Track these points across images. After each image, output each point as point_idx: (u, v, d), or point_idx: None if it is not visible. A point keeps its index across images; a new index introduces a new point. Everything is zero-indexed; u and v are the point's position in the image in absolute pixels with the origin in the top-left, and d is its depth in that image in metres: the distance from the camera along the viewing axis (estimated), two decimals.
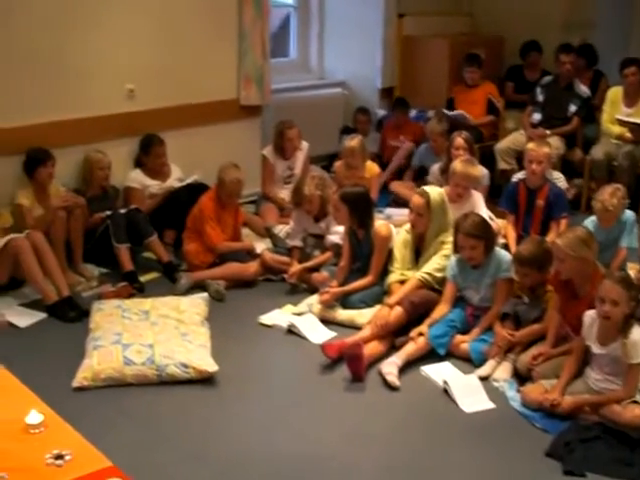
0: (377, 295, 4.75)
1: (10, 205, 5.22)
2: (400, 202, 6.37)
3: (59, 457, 1.82)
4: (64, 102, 5.46)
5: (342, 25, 7.91)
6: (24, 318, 4.70)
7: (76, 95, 5.51)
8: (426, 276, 4.52)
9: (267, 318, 4.73)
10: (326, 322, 4.66)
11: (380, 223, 4.93)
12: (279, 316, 4.75)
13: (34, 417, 1.92)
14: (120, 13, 5.65)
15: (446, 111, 7.16)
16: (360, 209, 4.83)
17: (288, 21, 8.04)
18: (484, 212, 5.17)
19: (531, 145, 5.41)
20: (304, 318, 4.67)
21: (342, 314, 4.70)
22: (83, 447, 1.88)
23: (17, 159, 5.20)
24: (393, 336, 4.33)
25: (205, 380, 3.95)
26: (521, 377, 4.00)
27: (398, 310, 4.33)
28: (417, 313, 4.38)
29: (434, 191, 4.70)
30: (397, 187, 6.79)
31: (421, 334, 4.22)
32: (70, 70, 5.45)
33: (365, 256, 4.86)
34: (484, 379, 4.00)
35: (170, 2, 5.96)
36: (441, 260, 4.56)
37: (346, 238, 4.96)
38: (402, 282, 4.61)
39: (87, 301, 4.81)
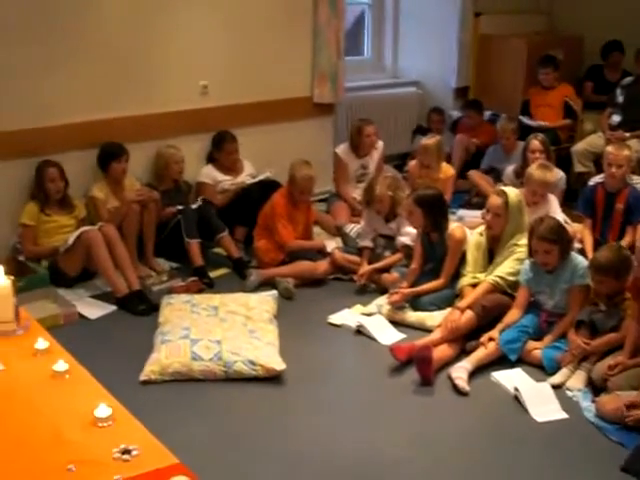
0: (448, 298, 4.67)
1: (84, 197, 5.32)
2: (478, 192, 6.39)
3: (126, 452, 1.81)
4: (139, 97, 5.53)
5: (417, 23, 7.82)
6: (94, 310, 4.76)
7: (151, 91, 5.59)
8: (498, 280, 4.43)
9: (336, 318, 4.69)
10: (395, 323, 4.60)
11: (455, 225, 4.85)
12: (348, 316, 4.71)
13: (103, 410, 1.93)
14: (196, 10, 5.70)
15: (526, 120, 7.04)
16: (434, 212, 4.77)
17: (362, 19, 8.00)
18: (559, 216, 5.05)
19: (610, 148, 5.26)
20: (373, 319, 4.62)
21: (412, 316, 4.64)
22: (150, 443, 1.88)
23: (93, 152, 5.29)
24: (463, 340, 4.25)
25: (272, 378, 3.93)
26: (595, 387, 3.87)
27: (469, 314, 4.25)
28: (488, 317, 4.29)
29: (512, 192, 4.60)
30: (476, 177, 6.67)
31: (492, 339, 4.13)
32: (146, 66, 5.53)
33: (437, 258, 4.80)
34: (557, 387, 3.89)
35: (246, 0, 5.98)
36: (514, 264, 4.46)
37: (418, 240, 4.90)
38: (474, 285, 4.52)
39: (157, 295, 4.85)
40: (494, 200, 4.54)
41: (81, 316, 4.66)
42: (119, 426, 1.93)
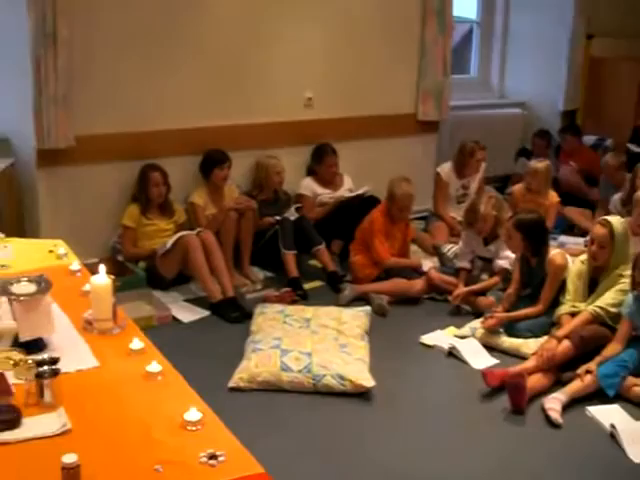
0: (544, 325, 4.54)
1: (184, 203, 5.41)
2: (574, 228, 6.20)
3: (213, 457, 1.81)
4: (244, 106, 5.62)
5: (526, 43, 7.71)
6: (188, 314, 4.83)
7: (256, 100, 5.66)
8: (599, 310, 4.27)
9: (428, 338, 4.63)
10: (489, 348, 4.50)
11: (556, 252, 4.71)
12: (441, 337, 4.64)
13: (193, 414, 1.93)
14: (304, 23, 5.76)
15: (634, 148, 6.81)
16: (535, 237, 4.66)
17: (469, 37, 7.94)
18: None
19: None
20: (466, 342, 4.53)
21: (506, 341, 4.52)
22: (237, 450, 1.87)
23: (195, 159, 5.40)
24: (558, 370, 4.12)
25: (360, 394, 3.89)
26: None
27: (566, 344, 4.11)
28: (586, 349, 4.13)
29: (616, 221, 4.44)
30: (574, 214, 6.51)
31: (589, 371, 3.97)
32: (252, 76, 5.62)
33: (535, 284, 4.67)
34: None
35: (354, 15, 6.01)
36: (617, 295, 4.29)
37: (517, 264, 4.79)
38: (573, 314, 4.38)
39: (250, 303, 4.89)
40: (599, 230, 4.39)
41: (174, 319, 4.74)
42: (207, 431, 1.92)
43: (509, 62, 7.87)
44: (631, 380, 3.99)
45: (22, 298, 2.31)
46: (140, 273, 5.06)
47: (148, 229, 5.18)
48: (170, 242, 4.93)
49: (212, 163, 5.36)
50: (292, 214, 5.54)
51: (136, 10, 5.09)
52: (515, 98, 7.88)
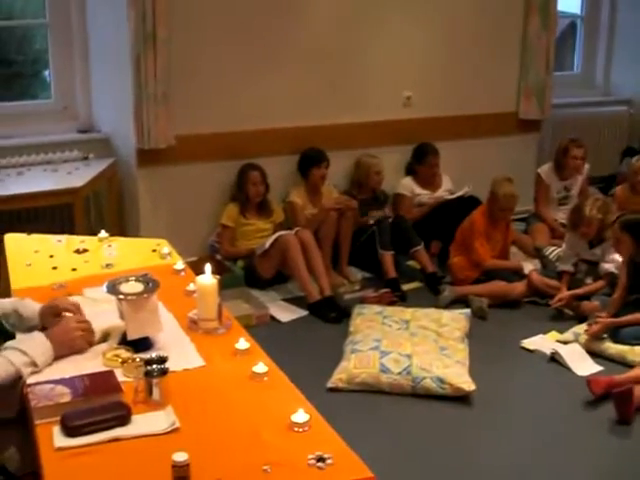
0: None
1: (283, 203, 5.44)
2: None
3: (321, 459, 1.80)
4: (342, 106, 5.60)
5: (633, 39, 7.41)
6: (286, 313, 4.85)
7: (356, 100, 5.64)
8: None
9: (530, 342, 4.53)
10: (593, 354, 4.37)
11: None
12: (542, 342, 4.54)
13: (301, 416, 1.93)
14: (403, 21, 5.71)
15: None
16: None
17: (569, 32, 7.72)
18: None
19: None
20: (569, 347, 4.42)
21: (612, 348, 4.38)
22: (344, 453, 1.85)
23: (294, 158, 5.42)
24: None
25: (459, 398, 3.84)
26: None
27: None
28: None
29: None
30: None
31: None
32: (350, 75, 5.60)
33: None
34: None
35: (454, 13, 5.92)
36: None
37: (624, 268, 4.62)
38: None
39: (348, 303, 4.87)
40: None
41: (273, 318, 4.76)
42: (314, 433, 1.91)
43: (615, 58, 7.60)
44: None
45: (130, 297, 2.34)
46: (238, 272, 5.11)
47: (246, 229, 5.22)
48: (269, 242, 4.95)
49: (310, 162, 5.38)
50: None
51: (236, 9, 5.13)
52: (620, 96, 7.59)
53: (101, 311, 2.51)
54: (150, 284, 2.40)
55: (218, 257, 5.24)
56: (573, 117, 7.00)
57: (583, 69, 7.69)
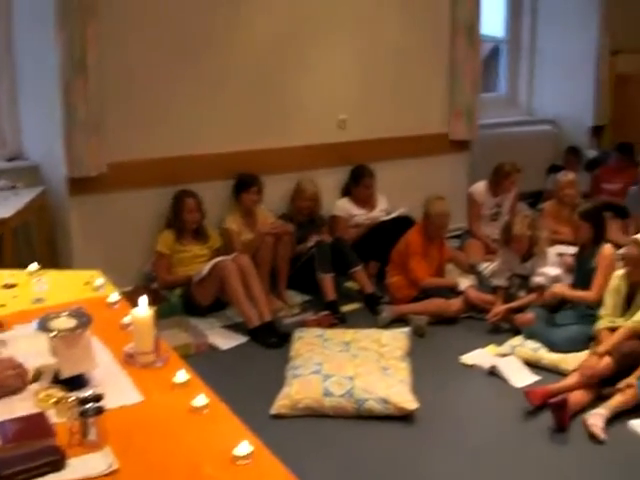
0: (584, 339, 4.53)
1: (219, 228, 5.41)
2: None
3: None
4: (278, 130, 5.64)
5: (553, 60, 7.73)
6: (226, 340, 4.81)
7: (290, 124, 5.69)
8: (637, 325, 4.22)
9: (469, 357, 4.59)
10: (529, 365, 4.48)
11: (607, 246, 4.78)
12: (481, 356, 4.61)
13: (243, 448, 1.90)
14: (336, 46, 5.79)
15: None
16: (599, 224, 4.83)
17: (493, 55, 7.94)
18: None
19: None
20: (507, 360, 4.51)
21: (546, 358, 4.50)
22: None
23: (229, 183, 5.41)
24: (599, 386, 4.08)
25: (403, 417, 3.86)
26: None
27: (607, 360, 4.08)
28: (627, 364, 4.09)
29: None
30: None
31: (630, 386, 3.95)
32: (286, 99, 5.65)
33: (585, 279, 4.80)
34: None
35: (385, 37, 6.04)
36: None
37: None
38: (611, 329, 4.34)
39: (288, 328, 4.86)
40: (630, 251, 4.39)
41: (212, 346, 4.72)
42: (258, 465, 1.88)
43: (537, 79, 7.89)
44: None
45: (62, 334, 2.27)
46: (175, 300, 5.06)
47: (183, 255, 5.18)
48: (206, 269, 4.92)
49: (240, 187, 5.38)
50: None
51: (170, 35, 5.12)
52: (544, 115, 7.89)
53: (32, 349, 2.42)
54: (83, 319, 2.34)
55: (154, 286, 5.17)
56: (500, 136, 7.22)
57: (508, 90, 7.94)
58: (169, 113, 5.20)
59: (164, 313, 4.73)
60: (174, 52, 5.16)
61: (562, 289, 4.88)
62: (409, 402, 3.88)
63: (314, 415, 3.89)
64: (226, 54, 5.35)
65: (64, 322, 2.32)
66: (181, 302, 5.06)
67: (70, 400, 2.10)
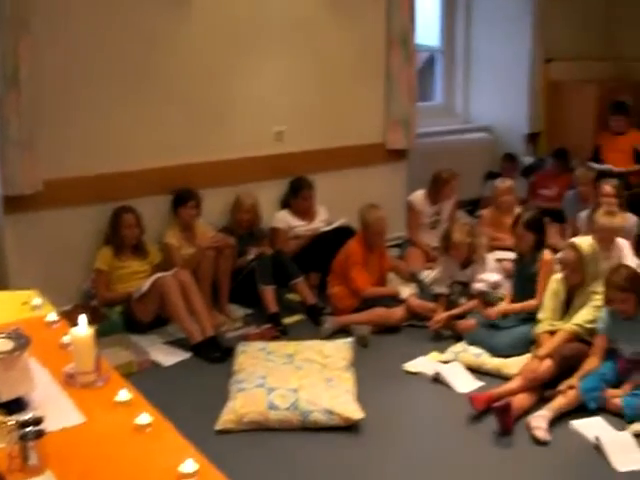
0: (525, 342, 4.60)
1: (159, 243, 5.37)
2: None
3: None
4: (215, 143, 5.61)
5: (488, 69, 7.85)
6: (168, 357, 4.75)
7: (228, 136, 5.66)
8: (577, 328, 4.33)
9: (412, 365, 4.62)
10: (472, 370, 4.52)
11: (546, 251, 4.88)
12: (424, 363, 4.64)
13: (189, 466, 1.88)
14: (271, 58, 5.78)
15: (593, 164, 6.93)
16: (542, 231, 4.92)
17: (429, 64, 8.03)
18: (632, 261, 4.98)
19: None
20: (450, 366, 4.54)
21: (488, 363, 4.56)
22: None
23: (167, 198, 5.36)
24: (542, 388, 4.15)
25: (349, 427, 3.86)
26: None
27: (548, 363, 4.16)
28: (567, 366, 4.19)
29: (584, 243, 4.52)
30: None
31: (571, 387, 4.04)
32: (222, 113, 5.62)
33: (527, 286, 4.86)
34: (638, 436, 3.75)
35: (320, 48, 6.05)
36: (592, 311, 4.36)
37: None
38: (551, 332, 4.42)
39: (231, 342, 4.83)
40: (567, 255, 4.49)
41: (155, 363, 4.66)
42: None
43: (472, 88, 8.00)
44: (610, 392, 4.08)
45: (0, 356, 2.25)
46: (116, 318, 4.99)
47: (122, 272, 5.11)
48: (146, 285, 4.87)
49: (177, 202, 5.34)
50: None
51: (103, 49, 5.05)
52: (480, 123, 7.99)
53: None
54: (21, 340, 2.30)
55: (94, 303, 5.10)
56: (437, 145, 7.26)
57: (444, 99, 8.03)
58: (106, 128, 5.13)
59: (104, 331, 4.63)
60: (110, 67, 5.10)
61: (505, 307, 4.90)
62: (354, 412, 3.88)
63: (260, 429, 3.86)
64: (162, 68, 5.31)
65: (1, 344, 2.29)
66: (122, 319, 4.99)
67: (9, 424, 2.07)
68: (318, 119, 6.11)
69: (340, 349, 4.58)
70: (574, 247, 4.47)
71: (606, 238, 5.03)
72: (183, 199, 5.33)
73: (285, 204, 5.97)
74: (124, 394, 2.28)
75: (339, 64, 6.16)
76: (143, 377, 4.26)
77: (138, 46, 5.20)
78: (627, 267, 4.35)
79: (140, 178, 5.28)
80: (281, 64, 5.85)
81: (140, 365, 4.56)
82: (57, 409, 2.26)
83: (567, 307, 4.51)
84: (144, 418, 2.13)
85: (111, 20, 5.07)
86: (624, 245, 5.17)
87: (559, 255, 4.69)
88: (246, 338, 4.88)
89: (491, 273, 5.20)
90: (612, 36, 8.28)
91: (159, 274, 4.94)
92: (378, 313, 5.16)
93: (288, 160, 5.95)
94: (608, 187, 5.67)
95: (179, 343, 4.89)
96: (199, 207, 5.39)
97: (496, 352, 4.61)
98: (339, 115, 6.22)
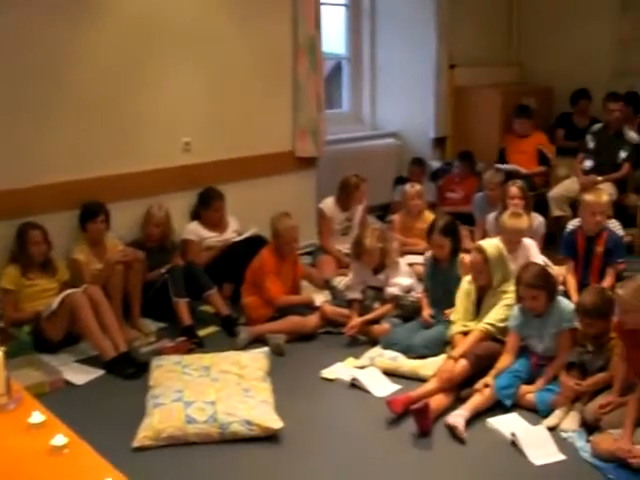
0: (440, 342, 4.70)
1: (67, 259, 5.25)
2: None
3: None
4: (122, 156, 5.52)
5: (394, 76, 7.98)
6: (81, 375, 4.64)
7: (135, 148, 5.59)
8: (489, 327, 4.44)
9: (329, 372, 4.64)
10: (389, 374, 4.57)
11: (463, 255, 5.00)
12: (341, 370, 4.66)
13: None
14: (178, 69, 5.74)
15: (500, 165, 7.12)
16: (456, 235, 5.04)
17: (336, 72, 8.11)
18: (539, 260, 5.13)
19: (590, 196, 5.25)
20: (366, 371, 4.58)
21: (404, 366, 4.61)
22: None
23: (74, 213, 5.25)
24: (458, 388, 4.23)
25: (269, 437, 3.84)
26: (589, 427, 3.87)
27: (463, 363, 4.24)
28: (482, 365, 4.28)
29: (490, 245, 4.64)
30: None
31: (487, 385, 4.13)
32: (128, 125, 5.54)
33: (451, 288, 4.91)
34: (552, 430, 3.88)
35: (226, 57, 6.03)
36: (503, 310, 4.48)
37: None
38: (464, 333, 4.52)
39: (145, 357, 4.75)
40: (473, 258, 4.62)
41: (67, 382, 4.54)
42: None
43: (379, 94, 8.12)
44: (524, 388, 4.20)
45: None
46: (24, 338, 4.84)
47: (30, 290, 4.98)
48: (55, 302, 4.75)
49: (85, 217, 5.24)
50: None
51: (6, 61, 4.91)
52: (387, 129, 8.11)
53: None
54: None
55: (1, 324, 4.95)
56: (346, 152, 7.33)
57: (351, 106, 8.10)
58: (9, 143, 4.99)
59: (13, 352, 4.45)
60: (14, 79, 4.95)
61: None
62: (273, 421, 3.87)
63: (179, 444, 3.81)
64: (67, 79, 5.19)
65: None
66: (31, 339, 4.85)
67: None
68: (226, 129, 6.09)
69: (256, 359, 4.57)
70: (480, 250, 4.58)
71: (513, 239, 5.18)
72: (91, 214, 5.23)
73: (195, 215, 5.92)
74: (37, 416, 2.23)
75: (246, 73, 6.16)
76: (56, 397, 4.17)
77: (45, 58, 5.07)
78: (537, 265, 4.48)
79: (46, 193, 5.14)
80: (187, 75, 5.81)
81: (52, 385, 4.43)
82: None
83: (479, 308, 4.61)
84: (59, 439, 2.09)
85: (15, 31, 4.92)
86: (530, 245, 5.33)
87: (467, 257, 4.80)
88: (161, 352, 4.80)
89: (404, 277, 5.28)
90: (515, 42, 8.62)
91: (68, 291, 4.82)
92: (293, 321, 5.17)
93: (197, 171, 5.91)
94: (514, 189, 5.82)
95: (92, 361, 4.78)
96: (108, 221, 5.30)
97: (411, 353, 4.68)
98: (247, 124, 6.21)
